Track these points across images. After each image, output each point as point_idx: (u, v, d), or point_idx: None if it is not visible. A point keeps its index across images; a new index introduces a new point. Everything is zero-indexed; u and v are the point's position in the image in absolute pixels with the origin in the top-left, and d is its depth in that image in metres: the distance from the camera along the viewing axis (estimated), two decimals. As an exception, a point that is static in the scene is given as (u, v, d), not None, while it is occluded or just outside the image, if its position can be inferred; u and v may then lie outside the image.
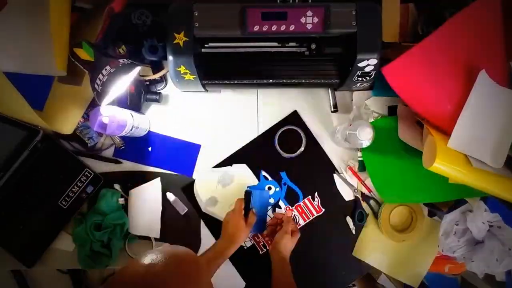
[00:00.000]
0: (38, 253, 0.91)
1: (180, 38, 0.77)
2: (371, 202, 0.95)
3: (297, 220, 0.96)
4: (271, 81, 0.88)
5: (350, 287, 1.17)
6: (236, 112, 0.98)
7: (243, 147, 0.96)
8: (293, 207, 0.96)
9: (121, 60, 0.79)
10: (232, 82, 0.88)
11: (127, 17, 0.86)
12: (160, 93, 0.95)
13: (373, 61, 0.79)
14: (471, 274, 1.12)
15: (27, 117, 0.85)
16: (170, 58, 0.78)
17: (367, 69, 0.81)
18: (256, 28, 0.76)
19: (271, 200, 0.95)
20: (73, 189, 0.91)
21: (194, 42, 0.77)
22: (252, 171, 0.96)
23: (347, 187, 0.96)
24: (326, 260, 0.96)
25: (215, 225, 0.94)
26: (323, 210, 0.96)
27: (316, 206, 0.96)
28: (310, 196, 0.96)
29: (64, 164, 0.91)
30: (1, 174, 0.85)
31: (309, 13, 0.76)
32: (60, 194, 0.91)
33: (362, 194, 0.96)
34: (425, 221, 0.94)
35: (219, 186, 0.95)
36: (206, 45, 0.83)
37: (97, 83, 0.76)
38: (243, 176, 0.96)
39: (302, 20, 0.76)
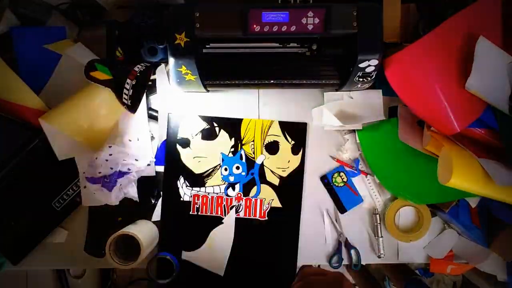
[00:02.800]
0: (24, 251, 0.92)
1: (181, 39, 0.77)
2: (352, 251, 0.95)
3: (240, 209, 0.96)
4: (272, 81, 0.88)
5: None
6: (236, 113, 0.98)
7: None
8: (243, 197, 0.96)
9: (136, 68, 0.80)
10: (233, 83, 0.88)
11: (127, 20, 0.86)
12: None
13: (374, 61, 0.79)
14: (472, 274, 1.12)
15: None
16: (171, 58, 0.78)
17: (368, 70, 0.81)
18: (257, 28, 0.76)
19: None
20: (68, 192, 0.92)
21: (195, 43, 0.77)
22: (234, 143, 0.96)
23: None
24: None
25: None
26: (266, 217, 0.96)
27: (262, 211, 0.96)
28: (265, 199, 0.96)
29: (62, 166, 0.90)
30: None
31: (310, 14, 0.76)
32: (55, 196, 0.91)
33: (347, 240, 0.95)
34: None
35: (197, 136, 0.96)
36: (207, 46, 0.83)
37: (124, 98, 0.78)
38: (223, 141, 0.96)
39: (303, 21, 0.76)
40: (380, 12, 0.79)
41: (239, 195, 0.96)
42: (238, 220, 0.96)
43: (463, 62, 0.75)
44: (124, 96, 0.78)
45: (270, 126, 0.97)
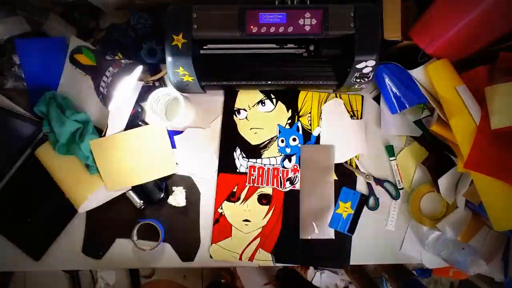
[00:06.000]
0: (44, 246, 0.92)
1: (179, 40, 0.77)
2: (386, 184, 0.96)
3: (296, 180, 0.96)
4: (269, 82, 0.88)
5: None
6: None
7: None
8: (300, 169, 0.96)
9: (122, 61, 0.79)
10: (230, 84, 0.88)
11: (126, 21, 0.86)
12: None
13: (371, 62, 0.79)
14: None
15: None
16: (169, 59, 0.79)
17: (365, 71, 0.81)
18: (255, 29, 0.76)
19: None
20: None
21: (193, 44, 0.77)
22: (291, 115, 0.97)
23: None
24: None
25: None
26: None
27: None
28: None
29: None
30: (9, 168, 0.86)
31: (307, 14, 0.76)
32: None
33: (375, 178, 0.96)
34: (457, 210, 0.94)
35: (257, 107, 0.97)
36: (204, 47, 0.83)
37: (102, 86, 0.76)
38: (281, 113, 0.98)
39: (301, 22, 0.76)
40: (377, 13, 0.79)
41: (295, 167, 0.96)
42: (293, 192, 0.96)
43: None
44: (102, 83, 0.76)
45: (327, 99, 0.97)
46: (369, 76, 0.83)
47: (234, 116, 0.97)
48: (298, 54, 0.86)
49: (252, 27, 0.76)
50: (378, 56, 0.78)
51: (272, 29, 0.77)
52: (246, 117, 0.97)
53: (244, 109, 0.97)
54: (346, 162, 0.96)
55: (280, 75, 0.87)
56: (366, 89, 0.95)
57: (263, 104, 0.97)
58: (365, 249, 0.96)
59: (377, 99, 0.97)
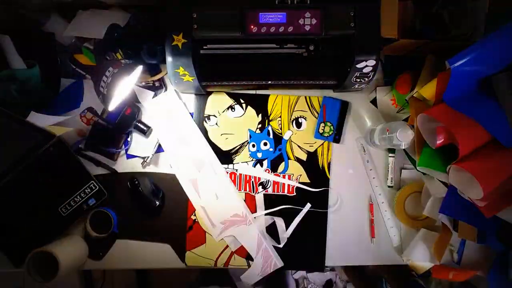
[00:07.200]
0: (26, 255, 0.88)
1: (179, 40, 0.77)
2: None
3: (268, 185, 0.96)
4: (269, 82, 0.88)
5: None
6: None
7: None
8: (272, 173, 0.96)
9: (122, 61, 0.79)
10: (231, 84, 0.88)
11: (126, 21, 0.86)
12: (150, 127, 0.94)
13: (371, 62, 0.79)
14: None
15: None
16: (169, 59, 0.78)
17: (365, 70, 0.81)
18: (255, 29, 0.77)
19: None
20: (75, 199, 0.90)
21: (193, 44, 0.77)
22: (262, 119, 0.97)
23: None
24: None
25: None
26: (294, 194, 0.96)
27: (290, 187, 0.96)
28: (293, 175, 0.96)
29: (72, 172, 0.90)
30: (8, 172, 0.85)
31: (307, 14, 0.76)
32: (62, 201, 0.89)
33: None
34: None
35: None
36: (204, 47, 0.83)
37: (102, 86, 0.76)
38: (251, 117, 0.97)
39: (301, 21, 0.77)
40: (377, 13, 0.79)
41: (267, 171, 0.96)
42: (266, 197, 0.96)
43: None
44: (102, 83, 0.75)
45: (296, 102, 0.97)
46: (369, 76, 0.83)
47: (204, 122, 0.96)
48: (298, 54, 0.86)
49: (252, 27, 0.76)
50: (378, 55, 0.78)
51: (272, 29, 0.77)
52: (216, 123, 0.96)
53: (214, 115, 0.96)
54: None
55: (280, 75, 0.88)
56: (366, 89, 0.95)
57: (233, 110, 0.97)
58: (365, 249, 0.97)
59: (374, 102, 0.97)
